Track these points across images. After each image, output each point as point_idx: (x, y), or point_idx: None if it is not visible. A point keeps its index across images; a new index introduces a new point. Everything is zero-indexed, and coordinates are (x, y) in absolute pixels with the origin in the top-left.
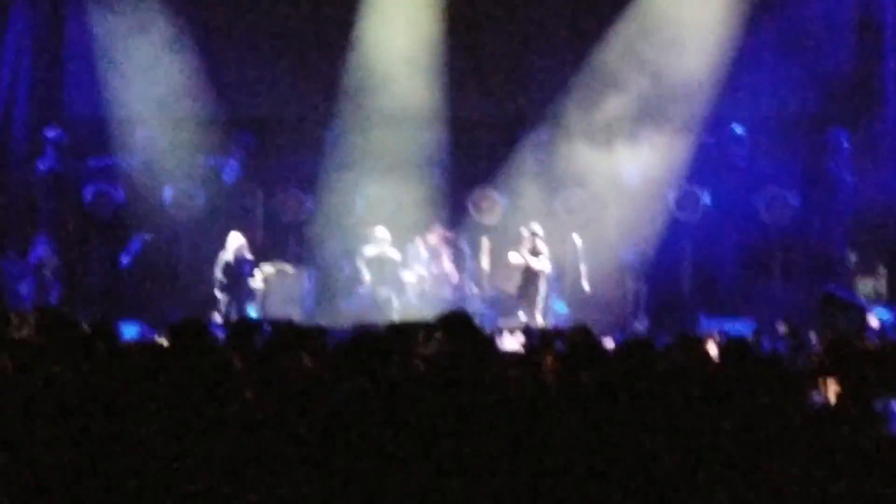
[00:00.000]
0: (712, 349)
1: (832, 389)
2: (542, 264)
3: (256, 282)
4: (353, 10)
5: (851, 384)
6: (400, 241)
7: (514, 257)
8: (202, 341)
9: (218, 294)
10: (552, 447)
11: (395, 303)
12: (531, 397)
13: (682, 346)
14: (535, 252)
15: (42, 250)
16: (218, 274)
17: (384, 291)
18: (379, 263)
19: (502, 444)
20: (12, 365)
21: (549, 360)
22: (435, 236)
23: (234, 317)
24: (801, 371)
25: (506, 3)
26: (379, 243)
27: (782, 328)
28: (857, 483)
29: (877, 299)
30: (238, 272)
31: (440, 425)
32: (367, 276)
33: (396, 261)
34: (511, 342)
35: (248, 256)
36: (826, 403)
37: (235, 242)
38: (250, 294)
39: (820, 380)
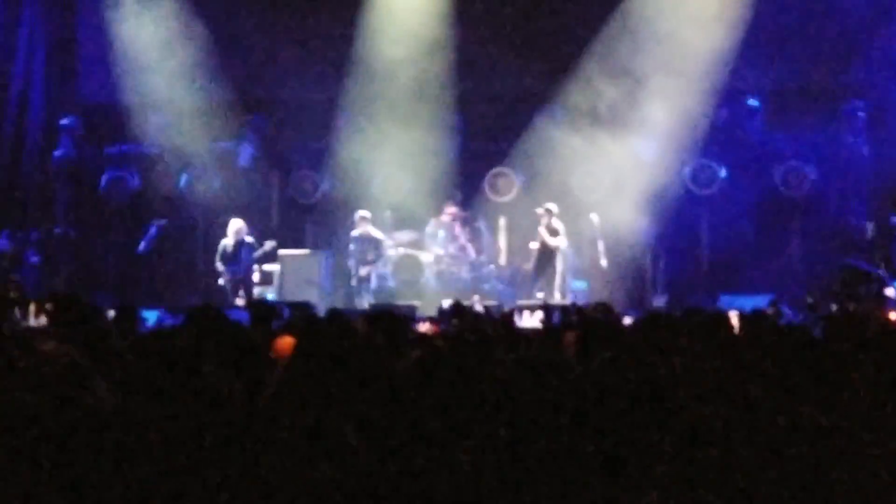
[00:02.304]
0: (734, 321)
1: None
2: (559, 242)
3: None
4: None
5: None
6: (416, 222)
7: (534, 244)
8: (221, 326)
9: (220, 280)
10: (571, 426)
11: (374, 282)
12: (550, 375)
13: (704, 320)
14: (551, 230)
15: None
16: (218, 260)
17: (364, 270)
18: (361, 243)
19: (519, 424)
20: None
21: (568, 337)
22: (449, 215)
23: (239, 301)
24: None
25: None
26: (361, 224)
27: (809, 299)
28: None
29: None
30: (238, 257)
31: (455, 407)
32: (351, 257)
33: (379, 239)
34: (530, 320)
35: (248, 241)
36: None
37: (235, 227)
38: (252, 277)
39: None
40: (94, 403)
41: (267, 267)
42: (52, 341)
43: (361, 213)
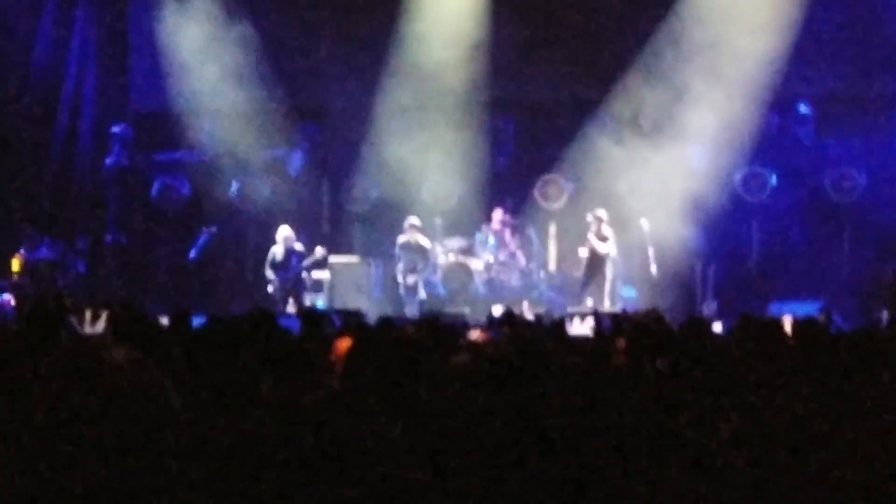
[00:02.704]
0: (787, 328)
1: None
2: (609, 249)
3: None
4: None
5: None
6: (466, 229)
7: (583, 252)
8: (272, 331)
9: (270, 287)
10: (622, 433)
11: (423, 289)
12: (600, 384)
13: (755, 328)
14: (601, 237)
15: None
16: (268, 267)
17: (411, 279)
18: (408, 251)
19: (569, 433)
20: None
21: (620, 344)
22: (499, 223)
23: (289, 309)
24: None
25: None
26: (409, 231)
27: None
28: None
29: None
30: (288, 264)
31: (506, 414)
32: (399, 264)
33: (427, 248)
34: (581, 327)
35: (298, 248)
36: None
37: (283, 234)
38: (303, 285)
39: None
40: (168, 412)
41: (317, 274)
42: (120, 349)
43: (411, 220)
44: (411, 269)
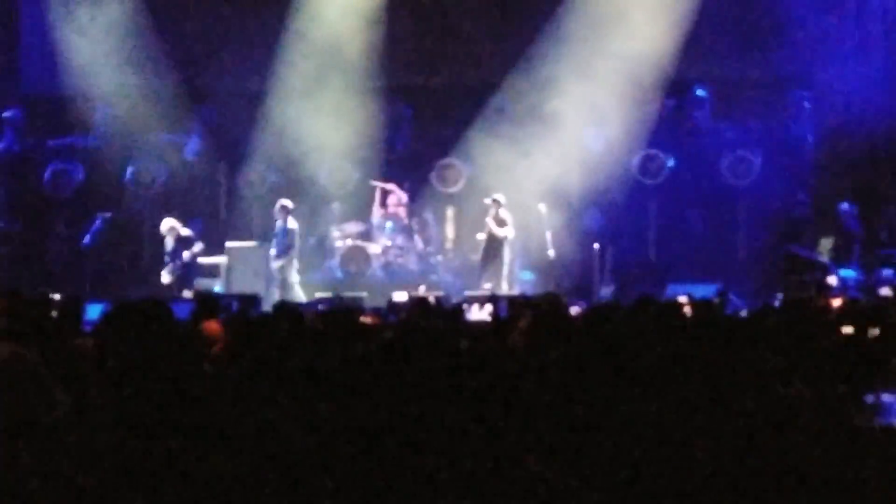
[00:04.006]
0: (687, 310)
1: None
2: (507, 232)
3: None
4: None
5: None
6: (364, 213)
7: (482, 235)
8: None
9: (164, 275)
10: (522, 418)
11: (293, 276)
12: (499, 369)
13: (655, 310)
14: (499, 221)
15: None
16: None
17: (277, 263)
18: (280, 234)
19: (469, 419)
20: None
21: (517, 329)
22: (396, 206)
23: (187, 293)
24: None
25: None
26: (279, 213)
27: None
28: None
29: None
30: (178, 252)
31: (407, 401)
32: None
33: (294, 231)
34: (480, 313)
35: (184, 234)
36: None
37: (168, 226)
38: (193, 270)
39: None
40: (50, 409)
41: (214, 259)
42: (5, 345)
43: (282, 202)
44: (279, 254)
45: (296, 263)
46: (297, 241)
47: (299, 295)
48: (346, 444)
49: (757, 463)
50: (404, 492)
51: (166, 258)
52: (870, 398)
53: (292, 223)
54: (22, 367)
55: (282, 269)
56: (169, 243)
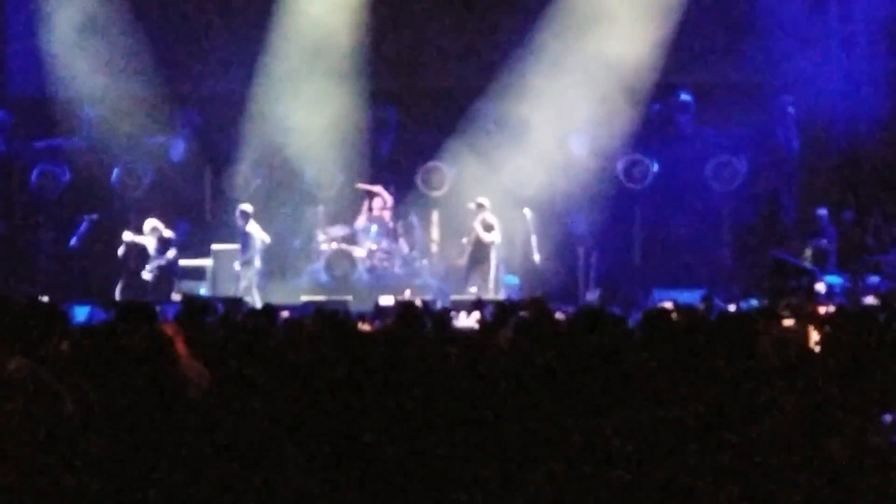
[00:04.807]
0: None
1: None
2: (494, 237)
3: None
4: None
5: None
6: (348, 216)
7: (468, 239)
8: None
9: (146, 276)
10: (510, 425)
11: (246, 280)
12: (486, 376)
13: (651, 319)
14: (486, 225)
15: None
16: (121, 255)
17: (236, 265)
18: (241, 238)
19: (456, 425)
20: None
21: (503, 334)
22: (381, 210)
23: (175, 295)
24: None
25: None
26: (240, 219)
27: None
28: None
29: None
30: (161, 253)
31: (398, 409)
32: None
33: (254, 236)
34: (467, 320)
35: (167, 235)
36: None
37: (150, 226)
38: (176, 272)
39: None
40: (61, 419)
41: (199, 261)
42: (14, 359)
43: (241, 207)
44: (241, 259)
45: (256, 266)
46: (258, 245)
47: (256, 299)
48: (335, 452)
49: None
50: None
51: (148, 258)
52: (887, 417)
53: (252, 228)
54: (37, 382)
55: (242, 272)
56: (151, 243)
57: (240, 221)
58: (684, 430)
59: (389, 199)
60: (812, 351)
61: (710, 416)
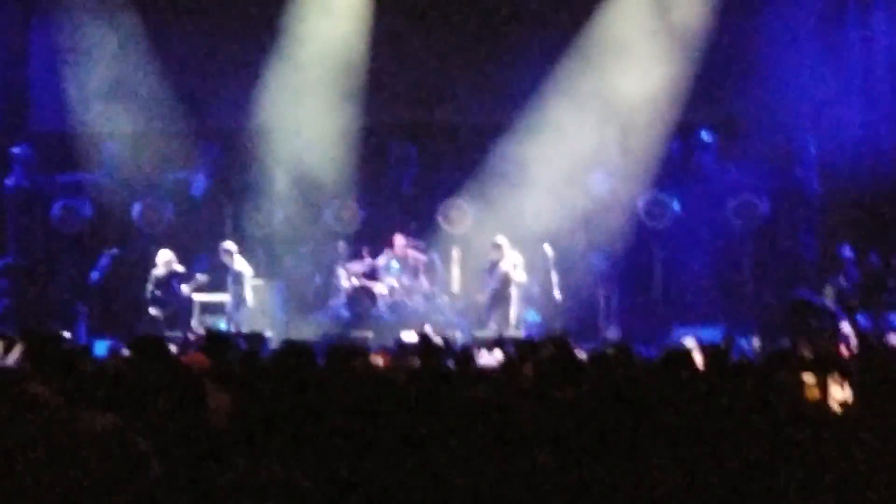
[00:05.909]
0: (698, 359)
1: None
2: (518, 275)
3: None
4: (307, 8)
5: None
6: (370, 253)
7: (493, 277)
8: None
9: (153, 310)
10: (532, 462)
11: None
12: (508, 414)
13: (671, 359)
14: (511, 264)
15: None
16: (150, 290)
17: (219, 297)
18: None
19: (479, 462)
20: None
21: (525, 372)
22: (402, 246)
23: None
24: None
25: (469, 6)
26: (224, 256)
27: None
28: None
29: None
30: (169, 287)
31: (417, 442)
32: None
33: (240, 273)
34: (489, 358)
35: (179, 270)
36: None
37: (164, 258)
38: (185, 307)
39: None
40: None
41: (219, 296)
42: (35, 384)
43: (224, 245)
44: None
45: (249, 305)
46: (245, 282)
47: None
48: (357, 489)
49: None
50: None
51: (157, 291)
52: None
53: (239, 264)
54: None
55: (238, 313)
56: (161, 275)
57: (225, 259)
58: (704, 472)
59: (412, 241)
60: (830, 409)
61: (729, 463)
